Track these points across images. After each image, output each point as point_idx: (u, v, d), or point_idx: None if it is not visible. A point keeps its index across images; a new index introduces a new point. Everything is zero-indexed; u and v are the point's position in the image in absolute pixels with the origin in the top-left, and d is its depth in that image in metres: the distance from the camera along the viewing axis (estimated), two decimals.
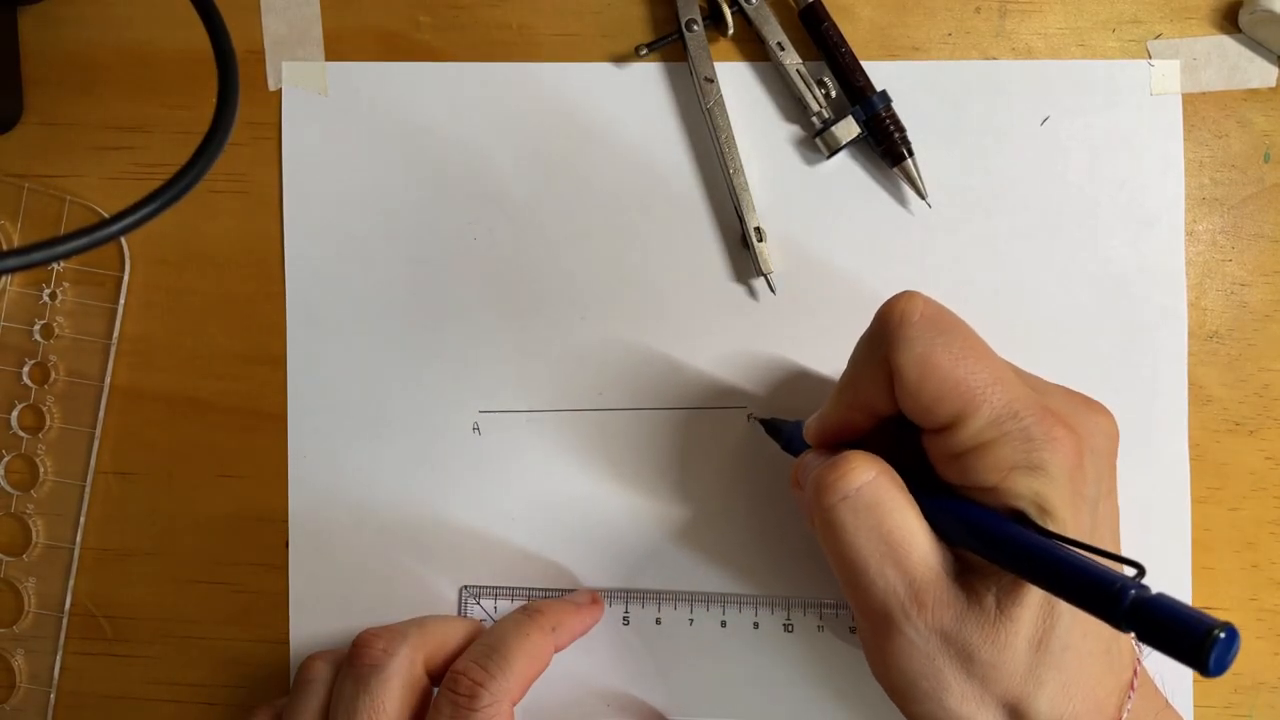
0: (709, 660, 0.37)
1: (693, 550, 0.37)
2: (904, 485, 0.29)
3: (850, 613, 0.36)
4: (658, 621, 0.37)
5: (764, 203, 0.37)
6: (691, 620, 0.37)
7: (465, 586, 0.37)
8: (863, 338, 0.30)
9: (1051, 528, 0.26)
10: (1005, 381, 0.27)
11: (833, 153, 0.37)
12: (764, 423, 0.37)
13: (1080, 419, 0.28)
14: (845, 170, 0.38)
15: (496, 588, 0.37)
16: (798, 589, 0.37)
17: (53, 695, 0.38)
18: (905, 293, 0.29)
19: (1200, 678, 0.36)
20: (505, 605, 0.37)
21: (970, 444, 0.27)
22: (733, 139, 0.37)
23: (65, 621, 0.38)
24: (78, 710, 0.39)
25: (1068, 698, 0.27)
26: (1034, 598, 0.27)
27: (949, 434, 0.27)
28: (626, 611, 0.37)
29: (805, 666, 0.36)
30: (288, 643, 0.38)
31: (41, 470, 0.38)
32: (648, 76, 0.38)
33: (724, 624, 0.37)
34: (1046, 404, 0.27)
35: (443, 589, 0.37)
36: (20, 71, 0.39)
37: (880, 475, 0.29)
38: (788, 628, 0.37)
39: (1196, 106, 0.37)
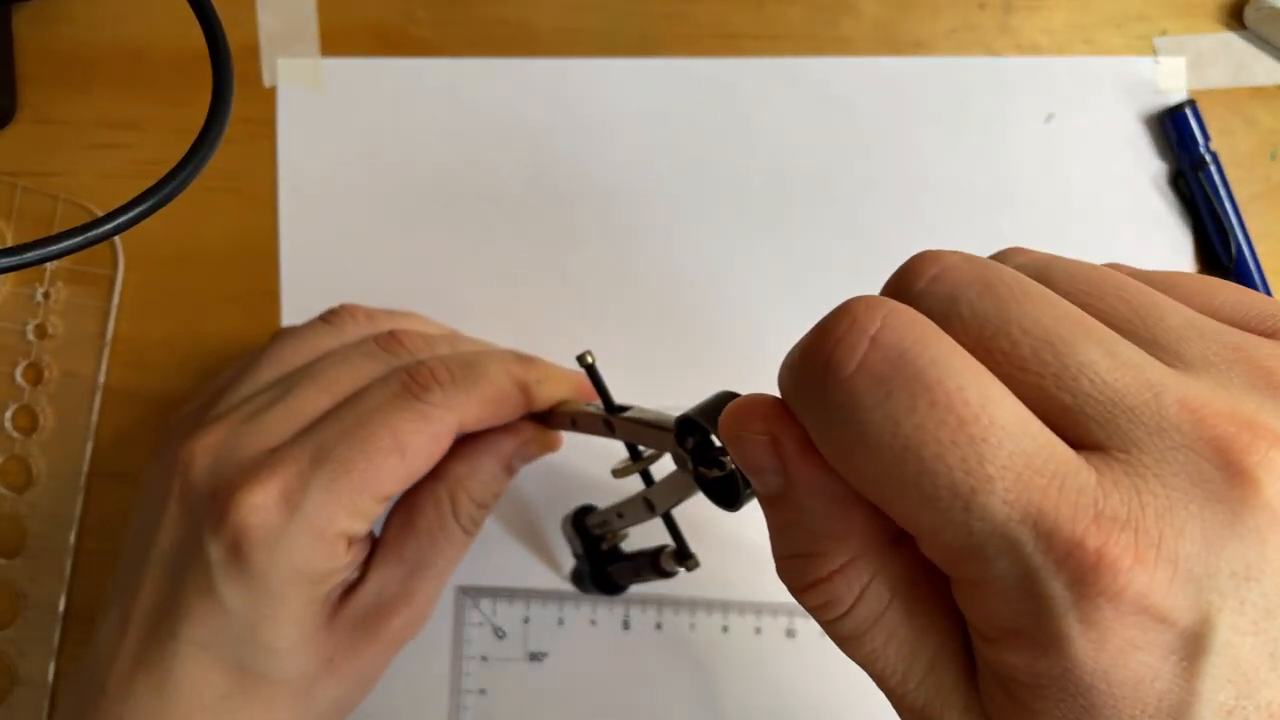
0: (710, 666, 0.36)
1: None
2: None
3: None
4: (658, 627, 0.36)
5: None
6: (693, 626, 0.36)
7: (463, 587, 0.37)
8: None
9: None
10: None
11: None
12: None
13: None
14: None
15: (496, 588, 0.37)
16: None
17: (47, 697, 0.38)
18: (861, 300, 0.16)
19: None
20: (505, 606, 0.37)
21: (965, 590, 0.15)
22: None
23: (60, 623, 0.38)
24: None
25: None
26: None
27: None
28: (627, 616, 0.37)
29: (808, 673, 0.36)
30: None
31: (35, 471, 0.38)
32: (648, 72, 0.38)
33: (725, 629, 0.36)
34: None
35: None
36: (14, 69, 0.39)
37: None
38: (790, 634, 0.36)
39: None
